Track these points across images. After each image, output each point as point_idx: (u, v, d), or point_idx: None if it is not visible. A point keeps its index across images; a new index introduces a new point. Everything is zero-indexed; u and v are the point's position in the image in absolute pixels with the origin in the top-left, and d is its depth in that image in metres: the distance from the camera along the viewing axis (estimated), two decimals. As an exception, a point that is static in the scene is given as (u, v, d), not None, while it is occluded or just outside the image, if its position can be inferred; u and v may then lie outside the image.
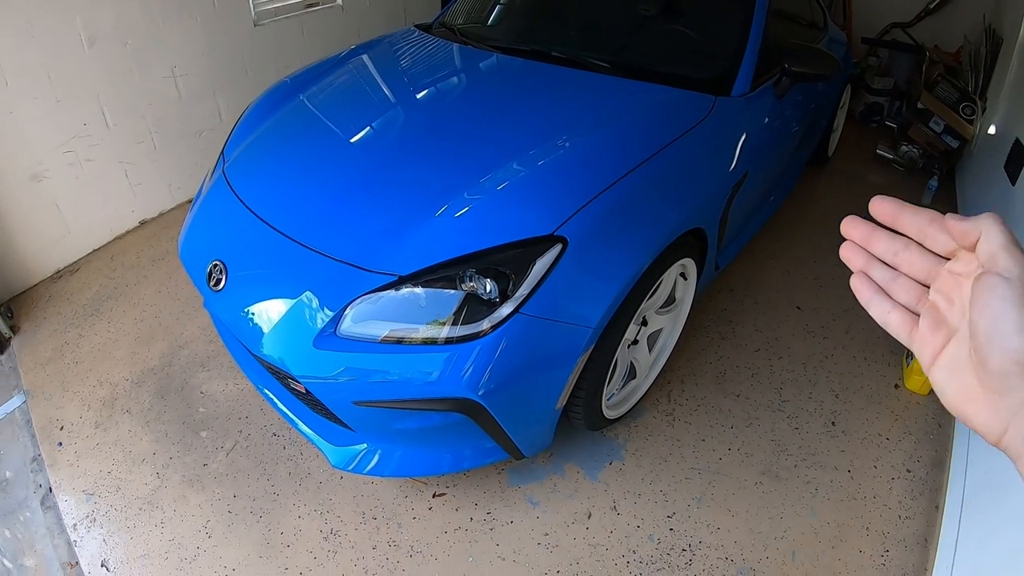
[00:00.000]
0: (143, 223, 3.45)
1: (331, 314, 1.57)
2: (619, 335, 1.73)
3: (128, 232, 3.38)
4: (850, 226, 0.54)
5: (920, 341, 0.48)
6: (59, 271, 3.08)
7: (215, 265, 1.82)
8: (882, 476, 2.05)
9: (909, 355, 2.41)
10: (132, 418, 2.30)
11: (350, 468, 1.75)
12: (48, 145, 2.86)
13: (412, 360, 1.51)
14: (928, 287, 0.49)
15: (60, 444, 2.23)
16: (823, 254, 3.12)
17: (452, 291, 1.53)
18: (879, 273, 0.52)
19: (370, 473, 1.75)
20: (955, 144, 3.78)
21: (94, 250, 3.22)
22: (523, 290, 1.50)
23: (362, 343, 1.54)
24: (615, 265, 1.61)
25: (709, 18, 2.58)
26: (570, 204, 1.61)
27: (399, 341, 1.51)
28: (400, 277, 1.55)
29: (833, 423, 2.22)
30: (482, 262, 1.53)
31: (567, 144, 1.86)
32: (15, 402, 2.45)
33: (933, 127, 3.79)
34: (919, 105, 3.83)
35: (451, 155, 1.93)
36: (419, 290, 1.54)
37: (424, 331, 1.51)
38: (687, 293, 2.16)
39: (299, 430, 1.87)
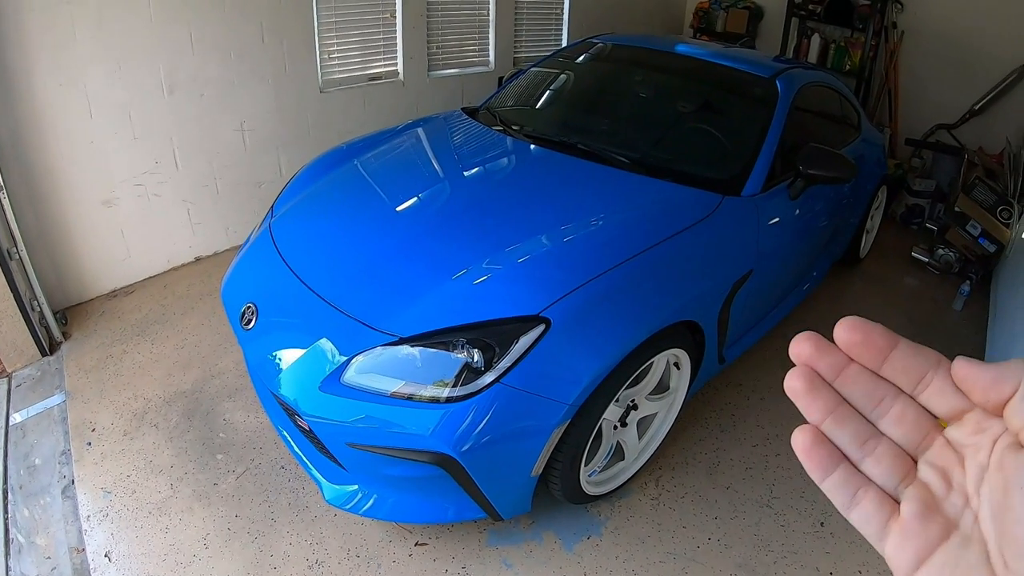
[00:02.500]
0: (198, 259, 3.72)
1: (338, 363, 1.75)
2: (598, 413, 1.83)
3: (183, 265, 3.65)
4: (807, 347, 0.37)
5: (901, 537, 0.34)
6: (115, 290, 3.36)
7: (248, 307, 2.03)
8: (864, 583, 2.03)
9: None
10: (158, 432, 2.49)
11: (345, 507, 1.89)
12: (121, 176, 3.18)
13: (406, 414, 1.66)
14: (915, 460, 0.36)
15: (89, 444, 2.42)
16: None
17: (450, 356, 1.68)
18: (848, 432, 0.37)
19: (364, 514, 1.88)
20: (992, 248, 3.72)
21: (150, 276, 3.50)
22: (506, 362, 1.64)
23: (364, 392, 1.70)
24: (597, 347, 1.74)
25: (730, 120, 2.74)
26: (559, 288, 1.76)
27: (404, 396, 1.67)
28: (400, 338, 1.72)
29: (822, 523, 2.22)
30: (474, 333, 1.69)
31: (570, 232, 2.03)
32: (55, 399, 2.67)
33: (970, 231, 3.74)
34: (956, 208, 3.81)
35: (475, 228, 2.15)
36: (416, 352, 1.70)
37: (428, 391, 1.66)
38: (680, 383, 2.24)
39: (302, 464, 2.03)
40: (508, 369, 1.64)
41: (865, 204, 3.56)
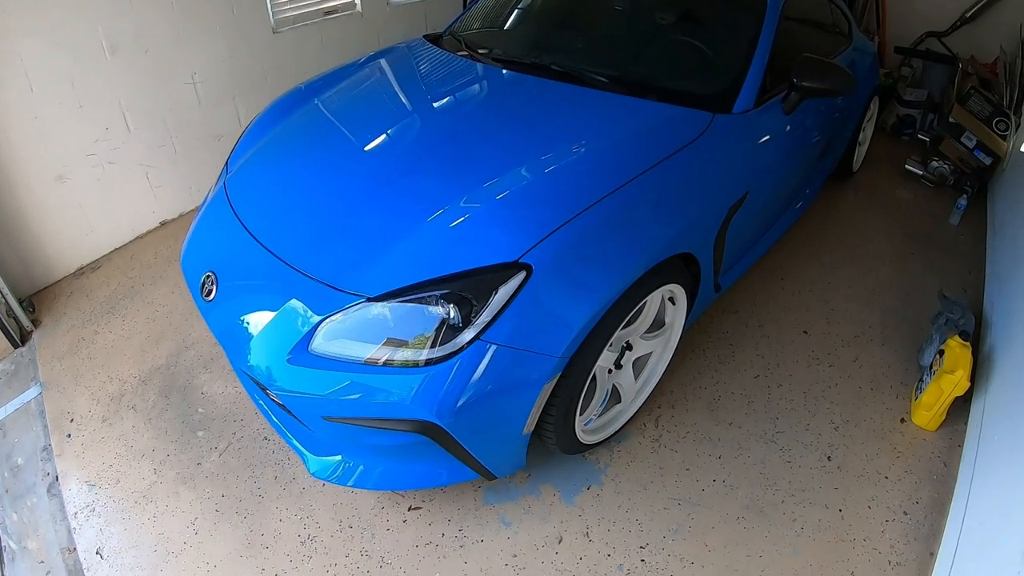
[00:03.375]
0: (163, 224, 3.56)
1: (304, 331, 1.61)
2: (591, 362, 1.71)
3: (149, 232, 3.49)
4: None
5: None
6: (81, 268, 3.20)
7: (208, 276, 1.89)
8: (876, 517, 1.97)
9: (919, 387, 2.31)
10: (136, 414, 2.39)
11: (330, 478, 1.79)
12: (71, 148, 2.98)
13: (383, 381, 1.53)
14: None
15: (69, 436, 2.33)
16: (839, 274, 3.02)
17: (425, 314, 1.54)
18: None
19: (352, 486, 1.79)
20: (987, 161, 3.61)
21: (115, 249, 3.34)
22: (484, 317, 1.50)
23: (336, 361, 1.57)
24: (584, 293, 1.59)
25: (716, 31, 2.52)
26: (539, 230, 1.60)
27: (380, 362, 1.54)
28: (367, 298, 1.57)
29: (829, 457, 2.15)
30: (447, 286, 1.54)
31: (551, 162, 1.85)
32: (32, 393, 2.57)
33: (965, 142, 3.62)
34: (950, 119, 3.67)
35: (447, 164, 1.96)
36: (387, 311, 1.56)
37: (405, 353, 1.53)
38: (677, 318, 2.12)
39: (283, 436, 1.92)
40: (488, 324, 1.50)
41: (858, 116, 3.40)
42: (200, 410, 2.38)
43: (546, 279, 1.55)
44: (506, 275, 1.53)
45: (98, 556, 1.95)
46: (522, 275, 1.53)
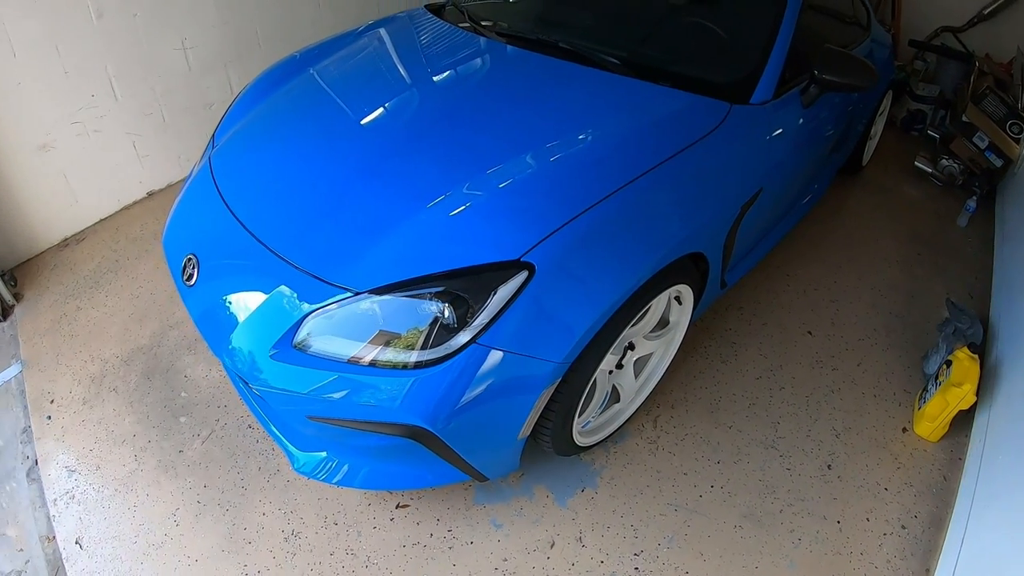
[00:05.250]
0: (151, 194, 3.45)
1: (288, 325, 1.52)
2: (593, 366, 1.63)
3: (135, 203, 3.38)
4: None
5: None
6: (66, 239, 3.10)
7: (189, 259, 1.79)
8: (873, 531, 1.92)
9: (923, 397, 2.25)
10: (118, 397, 2.31)
11: (315, 476, 1.71)
12: (55, 116, 2.86)
13: (369, 383, 1.45)
14: None
15: (49, 417, 2.26)
16: (844, 274, 2.94)
17: (417, 311, 1.45)
18: None
19: (337, 484, 1.71)
20: (999, 163, 3.51)
21: (101, 220, 3.24)
22: (482, 319, 1.41)
23: (320, 359, 1.48)
24: (591, 294, 1.50)
25: (735, 16, 2.40)
26: (543, 225, 1.50)
27: (364, 362, 1.45)
28: (355, 292, 1.48)
29: (829, 466, 2.09)
30: (443, 283, 1.45)
31: (552, 153, 1.74)
32: (12, 371, 2.49)
33: (977, 143, 3.53)
34: (964, 118, 3.56)
35: (437, 149, 1.84)
36: (377, 308, 1.47)
37: (389, 354, 1.44)
38: (682, 317, 2.04)
39: (267, 429, 1.85)
40: (486, 326, 1.41)
41: (872, 109, 3.29)
42: (183, 394, 2.30)
43: (549, 280, 1.46)
44: (506, 274, 1.43)
45: (78, 546, 1.90)
46: (523, 275, 1.43)
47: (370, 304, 1.47)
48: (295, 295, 1.54)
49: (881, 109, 3.56)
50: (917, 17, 4.72)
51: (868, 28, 3.22)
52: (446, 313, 1.42)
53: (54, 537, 1.93)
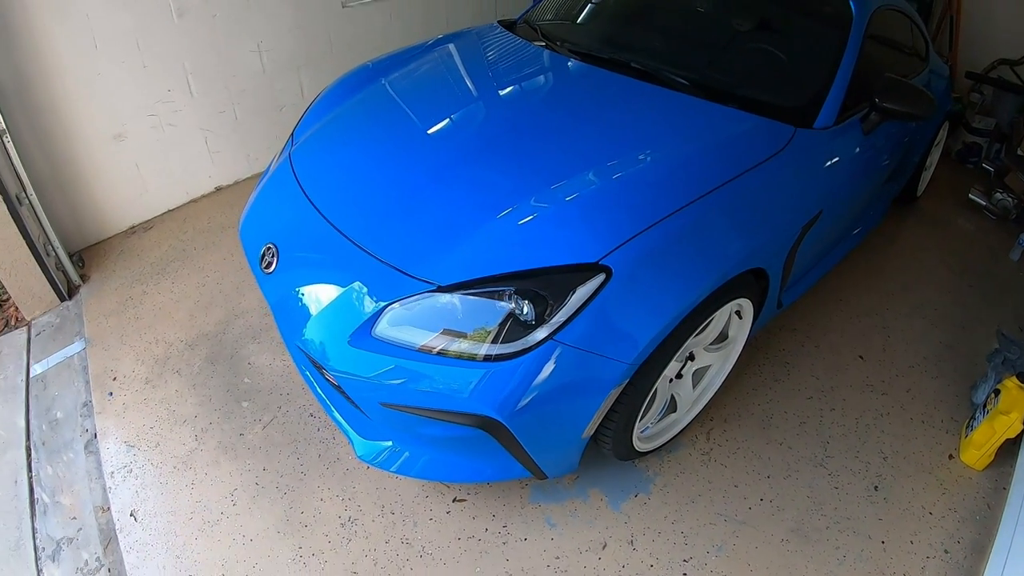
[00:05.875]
0: (219, 189, 3.57)
1: (368, 314, 1.58)
2: (659, 371, 1.67)
3: (203, 197, 3.51)
4: None
5: None
6: (133, 227, 3.22)
7: (268, 248, 1.87)
8: (917, 553, 1.92)
9: (970, 425, 2.25)
10: (181, 379, 2.39)
11: (375, 462, 1.77)
12: (132, 108, 2.99)
13: (444, 372, 1.50)
14: None
15: (111, 394, 2.34)
16: (897, 302, 2.94)
17: (495, 306, 1.51)
18: None
19: (396, 471, 1.76)
20: (1053, 199, 3.50)
21: (169, 211, 3.36)
22: (560, 317, 1.46)
23: (397, 347, 1.54)
24: (662, 301, 1.55)
25: (800, 41, 2.45)
26: (621, 232, 1.56)
27: (439, 352, 1.51)
28: (439, 286, 1.54)
29: (876, 488, 2.10)
30: (523, 282, 1.51)
31: (630, 165, 1.80)
32: (75, 347, 2.59)
33: (1032, 177, 3.52)
34: (1019, 152, 3.55)
35: (521, 158, 1.91)
36: (456, 301, 1.53)
37: (463, 344, 1.50)
38: (741, 332, 2.07)
39: (332, 417, 1.90)
40: (563, 324, 1.46)
41: (928, 140, 3.30)
42: (246, 380, 2.38)
43: (623, 284, 1.51)
44: (585, 276, 1.49)
45: (132, 518, 1.95)
46: (601, 277, 1.49)
47: (450, 298, 1.53)
48: (377, 286, 1.61)
49: (937, 140, 3.56)
50: (974, 49, 4.69)
51: (926, 59, 3.23)
52: (525, 309, 1.47)
53: (108, 508, 2.00)
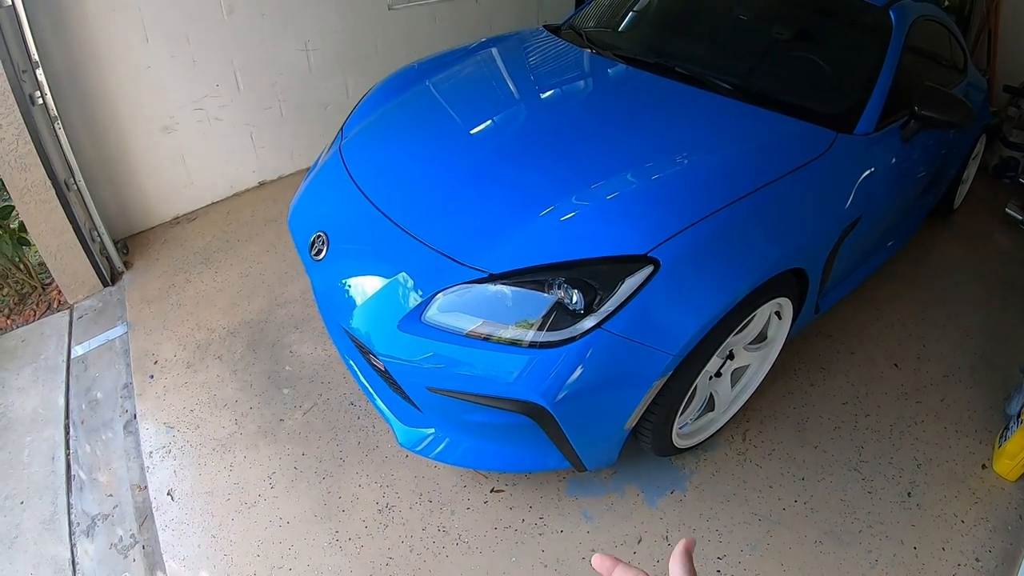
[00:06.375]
0: (262, 184, 3.64)
1: (419, 300, 1.62)
2: (700, 365, 1.69)
3: (247, 191, 3.58)
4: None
5: None
6: (177, 218, 3.30)
7: (318, 236, 1.91)
8: (948, 560, 1.91)
9: (1003, 436, 2.24)
10: (222, 364, 2.44)
11: (416, 449, 1.80)
12: (180, 101, 3.08)
13: (491, 357, 1.53)
14: None
15: (152, 377, 2.40)
16: (932, 312, 2.93)
17: (542, 296, 1.54)
18: None
19: (435, 458, 1.80)
20: (1089, 215, 3.46)
21: (213, 203, 3.44)
22: (608, 306, 1.50)
23: (446, 332, 1.58)
24: (706, 295, 1.58)
25: (840, 49, 2.47)
26: (669, 226, 1.59)
27: (484, 337, 1.54)
28: (490, 274, 1.58)
29: (909, 494, 2.09)
30: (572, 272, 1.54)
31: (676, 164, 1.84)
32: (117, 331, 2.65)
33: (1069, 192, 3.48)
34: (1056, 167, 3.53)
35: (562, 159, 1.94)
36: (507, 290, 1.56)
37: (510, 332, 1.53)
38: (779, 332, 2.09)
39: (374, 404, 1.94)
40: (611, 314, 1.49)
41: (966, 152, 3.29)
42: (287, 368, 2.43)
43: (670, 276, 1.54)
44: (634, 267, 1.52)
45: (169, 497, 1.99)
46: (650, 268, 1.52)
47: (501, 286, 1.57)
48: (428, 273, 1.65)
49: (974, 154, 3.55)
50: (1012, 63, 4.67)
51: (965, 71, 3.24)
52: (575, 298, 1.50)
53: (146, 487, 2.04)
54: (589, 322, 1.49)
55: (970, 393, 2.52)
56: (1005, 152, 4.32)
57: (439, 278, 1.63)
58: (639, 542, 1.89)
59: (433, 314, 1.60)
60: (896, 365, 2.60)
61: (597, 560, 0.57)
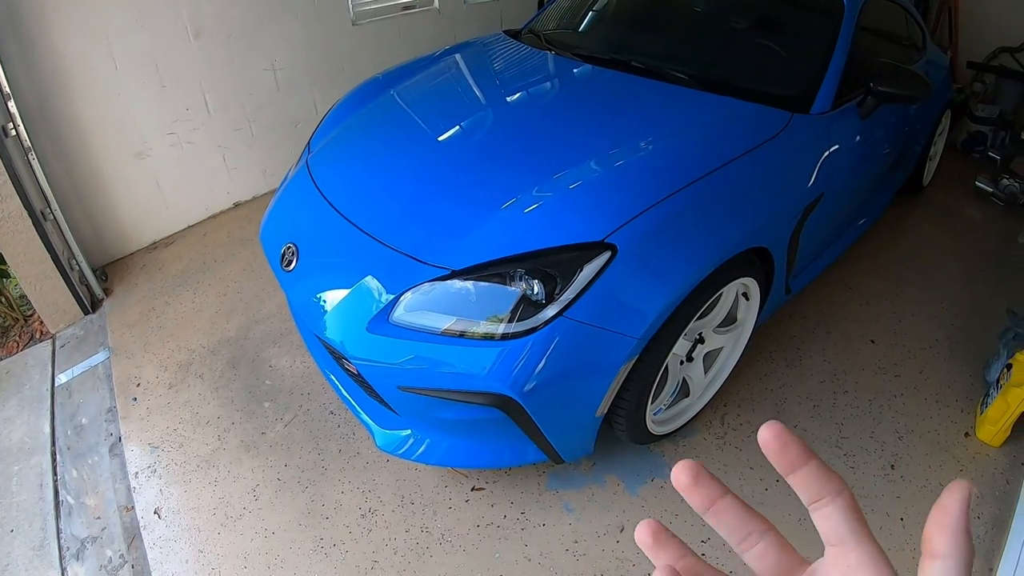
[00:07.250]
0: (237, 205, 3.66)
1: (385, 301, 1.64)
2: (666, 348, 1.71)
3: (222, 212, 3.59)
4: (685, 477, 0.39)
5: None
6: (155, 243, 3.31)
7: (288, 247, 1.93)
8: (936, 530, 1.93)
9: (984, 403, 2.26)
10: (203, 383, 2.45)
11: (397, 452, 1.82)
12: (152, 126, 3.09)
13: (460, 352, 1.55)
14: None
15: (135, 399, 2.40)
16: (906, 288, 2.96)
17: (507, 289, 1.56)
18: None
19: (416, 460, 1.81)
20: (1061, 182, 3.51)
21: (189, 226, 3.45)
22: (568, 294, 1.51)
23: (414, 331, 1.59)
24: (666, 276, 1.60)
25: (794, 34, 2.52)
26: (624, 212, 1.62)
27: (459, 334, 1.56)
28: (452, 271, 1.60)
29: (892, 466, 2.11)
30: (532, 263, 1.56)
31: (631, 153, 1.86)
32: (99, 357, 2.66)
33: (1038, 162, 3.53)
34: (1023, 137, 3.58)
35: (524, 154, 1.98)
36: (470, 285, 1.58)
37: (482, 327, 1.55)
38: (749, 314, 2.11)
39: (352, 410, 1.95)
40: (572, 301, 1.51)
41: (930, 129, 3.34)
42: (267, 382, 2.44)
43: (629, 261, 1.56)
44: (592, 254, 1.54)
45: (156, 516, 2.00)
46: (607, 254, 1.54)
47: (464, 283, 1.59)
48: (393, 274, 1.67)
49: (940, 129, 3.59)
50: (974, 39, 4.74)
51: (924, 49, 3.28)
52: (535, 289, 1.52)
53: (132, 507, 2.04)
54: (551, 311, 1.51)
55: (949, 364, 2.54)
56: (973, 127, 4.38)
57: (404, 279, 1.65)
58: (622, 531, 1.89)
59: (400, 314, 1.62)
60: (873, 341, 2.63)
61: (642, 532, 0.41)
